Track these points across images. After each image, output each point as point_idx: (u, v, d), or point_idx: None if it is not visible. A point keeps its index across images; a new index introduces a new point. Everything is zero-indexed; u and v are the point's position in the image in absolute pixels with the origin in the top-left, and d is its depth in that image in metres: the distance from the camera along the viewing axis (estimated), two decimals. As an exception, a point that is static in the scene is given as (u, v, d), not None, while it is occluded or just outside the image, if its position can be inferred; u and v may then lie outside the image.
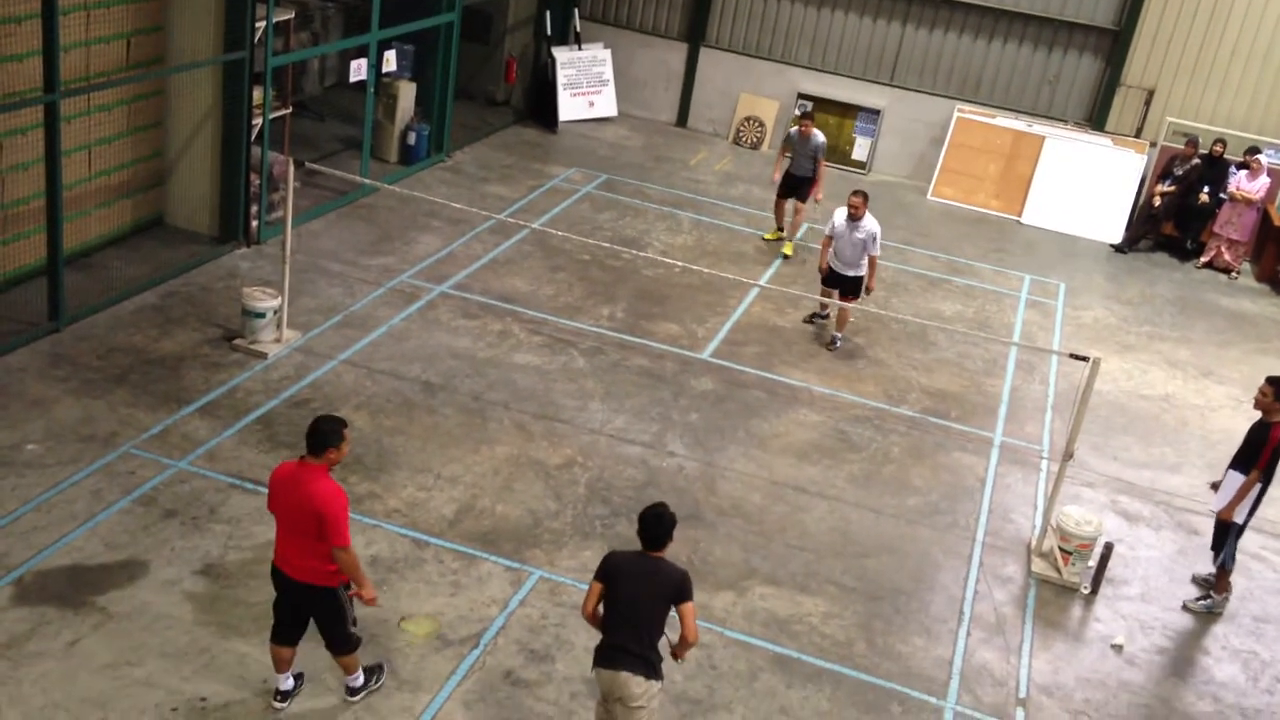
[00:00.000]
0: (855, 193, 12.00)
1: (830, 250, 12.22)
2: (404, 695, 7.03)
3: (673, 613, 6.22)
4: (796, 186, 14.66)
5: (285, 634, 6.68)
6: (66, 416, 9.16)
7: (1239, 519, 8.79)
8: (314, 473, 6.28)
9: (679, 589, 6.16)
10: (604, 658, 6.24)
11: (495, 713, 7.01)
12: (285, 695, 6.82)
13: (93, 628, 7.17)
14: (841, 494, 9.80)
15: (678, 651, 6.43)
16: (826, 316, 12.72)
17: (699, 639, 6.53)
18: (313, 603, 6.55)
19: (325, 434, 6.29)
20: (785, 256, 14.56)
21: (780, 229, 14.98)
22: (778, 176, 14.79)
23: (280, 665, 6.77)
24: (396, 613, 7.67)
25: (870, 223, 11.97)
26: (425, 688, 7.11)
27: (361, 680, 6.91)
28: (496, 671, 7.32)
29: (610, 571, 6.24)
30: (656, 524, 6.22)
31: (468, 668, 7.31)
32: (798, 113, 14.91)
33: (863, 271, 12.14)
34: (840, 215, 12.11)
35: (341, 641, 6.68)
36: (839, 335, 12.31)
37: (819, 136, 14.51)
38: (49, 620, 7.18)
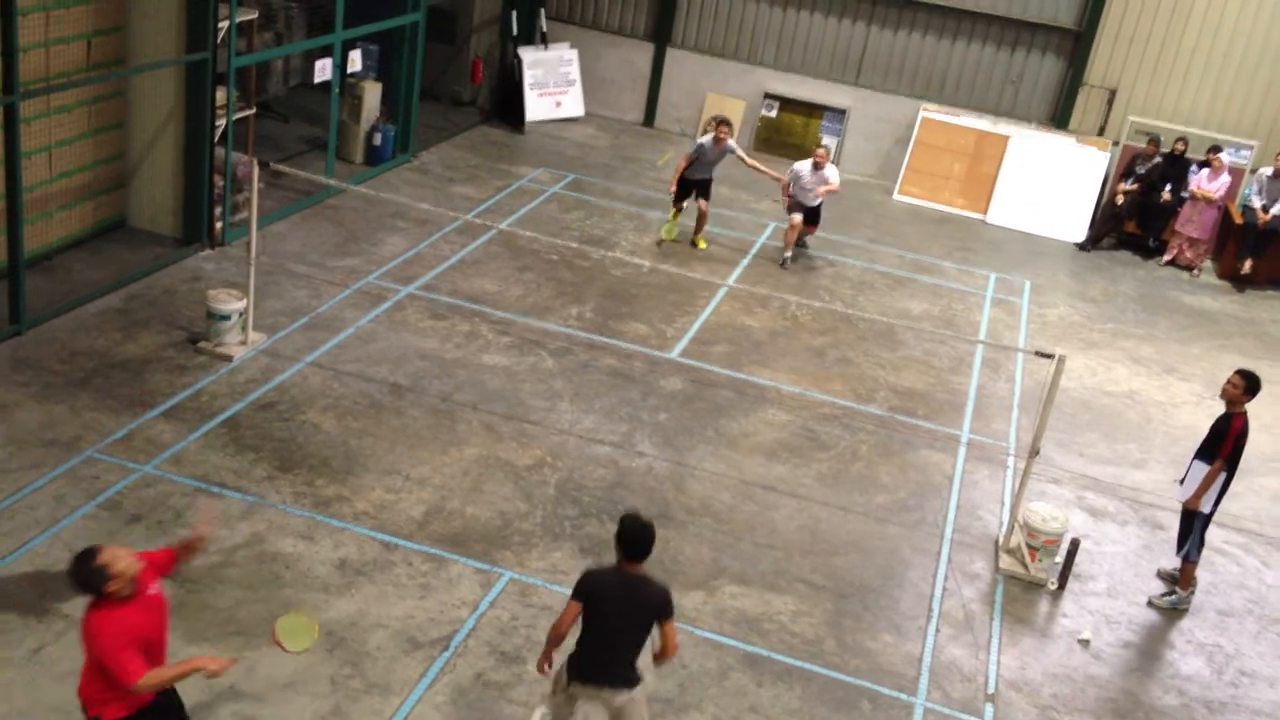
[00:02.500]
0: (821, 146, 14.54)
1: (790, 191, 14.42)
2: (374, 699, 6.99)
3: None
4: (694, 187, 14.43)
5: None
6: (28, 421, 9.04)
7: (1205, 509, 8.89)
8: (91, 619, 5.44)
9: (661, 608, 6.06)
10: (586, 676, 6.18)
11: (466, 715, 6.98)
12: None
13: (56, 635, 7.09)
14: (810, 492, 9.84)
15: (657, 662, 6.32)
16: (790, 258, 14.39)
17: (677, 651, 6.41)
18: None
19: (86, 582, 5.37)
20: (694, 245, 14.62)
21: (675, 216, 14.60)
22: (674, 189, 14.44)
23: None
24: (368, 618, 7.62)
25: (831, 169, 14.36)
26: (395, 691, 7.07)
27: None
28: (467, 674, 7.29)
29: (592, 591, 6.05)
30: (644, 535, 6.01)
31: (438, 670, 7.28)
32: (713, 120, 14.68)
33: (819, 203, 14.46)
34: (805, 165, 14.36)
35: None
36: (787, 254, 14.30)
37: (731, 142, 14.26)
38: (11, 628, 7.08)
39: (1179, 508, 9.19)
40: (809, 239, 14.95)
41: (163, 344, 10.45)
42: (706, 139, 14.29)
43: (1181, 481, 9.14)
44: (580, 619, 6.11)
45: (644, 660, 6.30)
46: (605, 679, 6.17)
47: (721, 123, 14.46)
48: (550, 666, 6.32)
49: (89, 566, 5.40)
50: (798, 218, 14.35)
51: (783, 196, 14.64)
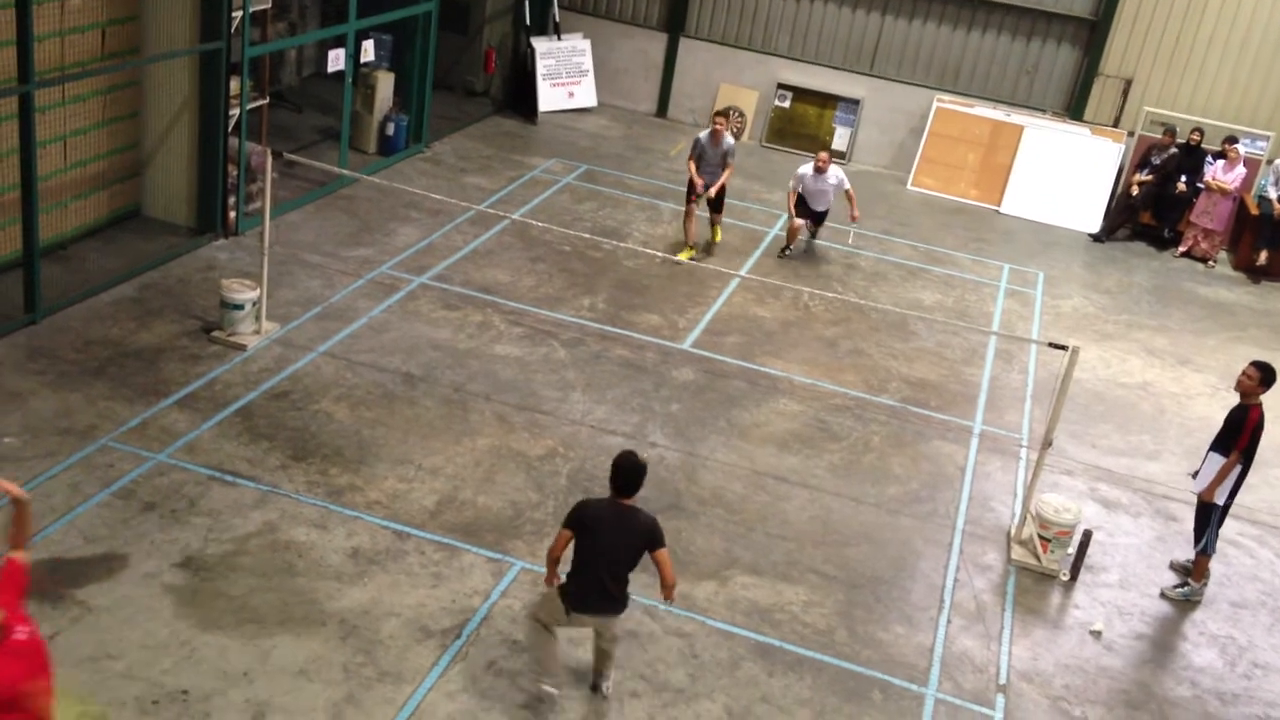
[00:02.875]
0: (825, 149, 14.46)
1: (796, 197, 14.13)
2: (386, 687, 7.02)
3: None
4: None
5: None
6: (44, 409, 9.09)
7: (1220, 500, 8.86)
8: None
9: (652, 536, 6.54)
10: (583, 604, 6.62)
11: (478, 703, 7.01)
12: None
13: (72, 621, 7.13)
14: (822, 483, 9.83)
15: (666, 595, 6.76)
16: (789, 250, 14.25)
17: (676, 579, 6.88)
18: None
19: None
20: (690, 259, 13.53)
21: (690, 245, 13.90)
22: (698, 182, 13.72)
23: None
24: (380, 606, 7.65)
25: (835, 171, 14.00)
26: (408, 679, 7.10)
27: None
28: (479, 662, 7.31)
29: (585, 521, 6.53)
30: (630, 473, 6.52)
31: (450, 659, 7.31)
32: (716, 111, 14.25)
33: (827, 208, 14.22)
34: (807, 169, 14.02)
35: None
36: (790, 247, 14.18)
37: (729, 139, 13.69)
38: (28, 614, 7.12)
39: (1193, 500, 9.16)
40: (798, 244, 14.37)
41: (177, 333, 10.49)
42: (704, 134, 13.82)
43: (1195, 474, 9.11)
44: (574, 550, 6.57)
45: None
46: (600, 606, 6.63)
47: (719, 114, 14.01)
48: (558, 581, 6.80)
49: None
50: (799, 222, 14.17)
51: (789, 205, 14.23)
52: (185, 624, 7.26)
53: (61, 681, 5.46)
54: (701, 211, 14.08)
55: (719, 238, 14.27)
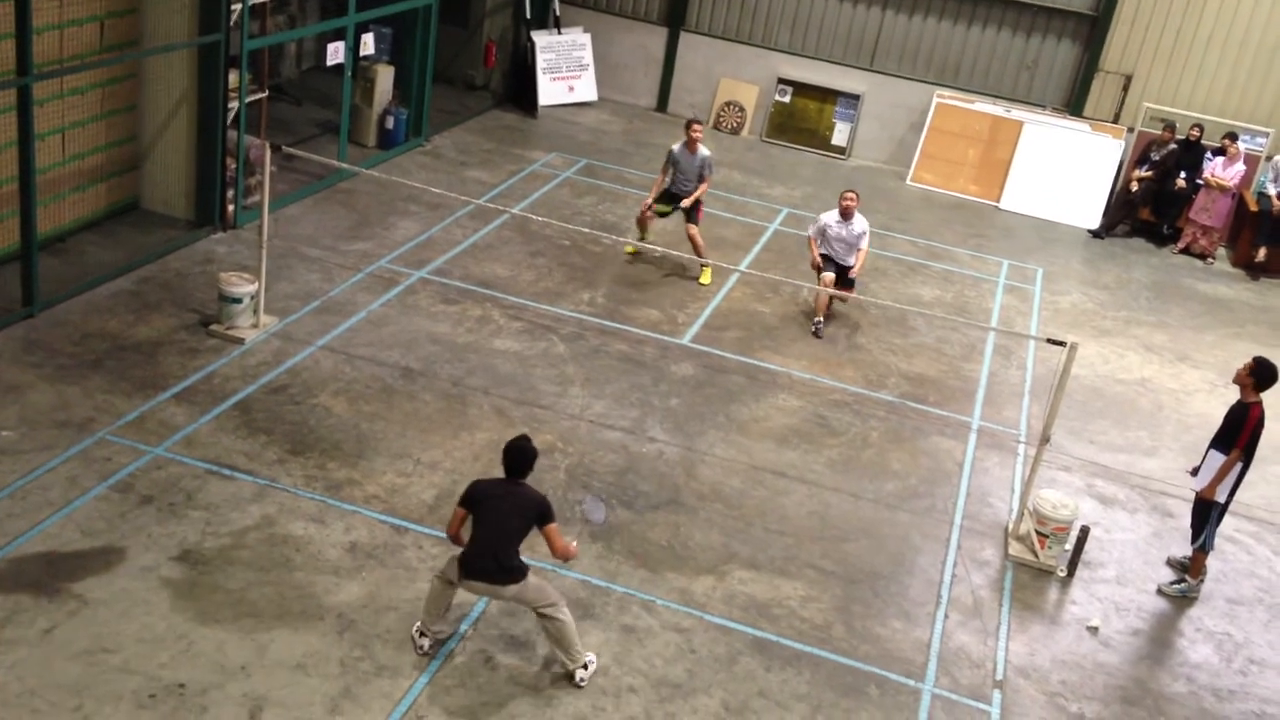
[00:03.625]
0: (849, 191, 12.32)
1: (818, 246, 12.46)
2: (383, 681, 7.03)
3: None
4: (674, 199, 13.10)
5: None
6: (41, 403, 9.09)
7: (1220, 498, 8.86)
8: None
9: (540, 511, 6.92)
10: (471, 572, 6.95)
11: (474, 698, 7.02)
12: None
13: (69, 615, 7.13)
14: (820, 478, 9.83)
15: (562, 558, 7.20)
16: (823, 324, 12.31)
17: (573, 553, 7.19)
18: None
19: None
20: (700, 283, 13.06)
21: (642, 238, 13.28)
22: (649, 201, 13.16)
23: None
24: (378, 600, 7.65)
25: (861, 220, 12.39)
26: (404, 674, 7.10)
27: None
28: (476, 658, 7.32)
29: (475, 497, 6.94)
30: (519, 456, 6.94)
31: (446, 654, 7.31)
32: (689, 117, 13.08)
33: (854, 262, 12.45)
34: (831, 215, 12.37)
35: None
36: (820, 320, 12.27)
37: (704, 151, 12.99)
38: (24, 608, 7.13)
39: (1190, 496, 9.16)
40: (841, 301, 12.54)
41: (175, 326, 10.48)
42: (678, 145, 13.01)
43: (1195, 471, 9.11)
44: (471, 524, 6.95)
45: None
46: (487, 574, 6.92)
47: (694, 121, 13.02)
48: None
49: None
50: (829, 275, 12.23)
51: (810, 251, 12.56)
52: (182, 618, 7.26)
53: None
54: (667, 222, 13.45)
55: (708, 279, 13.00)
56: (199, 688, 6.77)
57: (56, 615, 7.11)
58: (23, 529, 7.76)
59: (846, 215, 12.25)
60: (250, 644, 7.11)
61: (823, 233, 12.38)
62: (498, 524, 6.88)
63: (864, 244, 12.42)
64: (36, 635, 6.94)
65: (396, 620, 7.51)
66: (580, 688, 7.17)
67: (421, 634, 7.31)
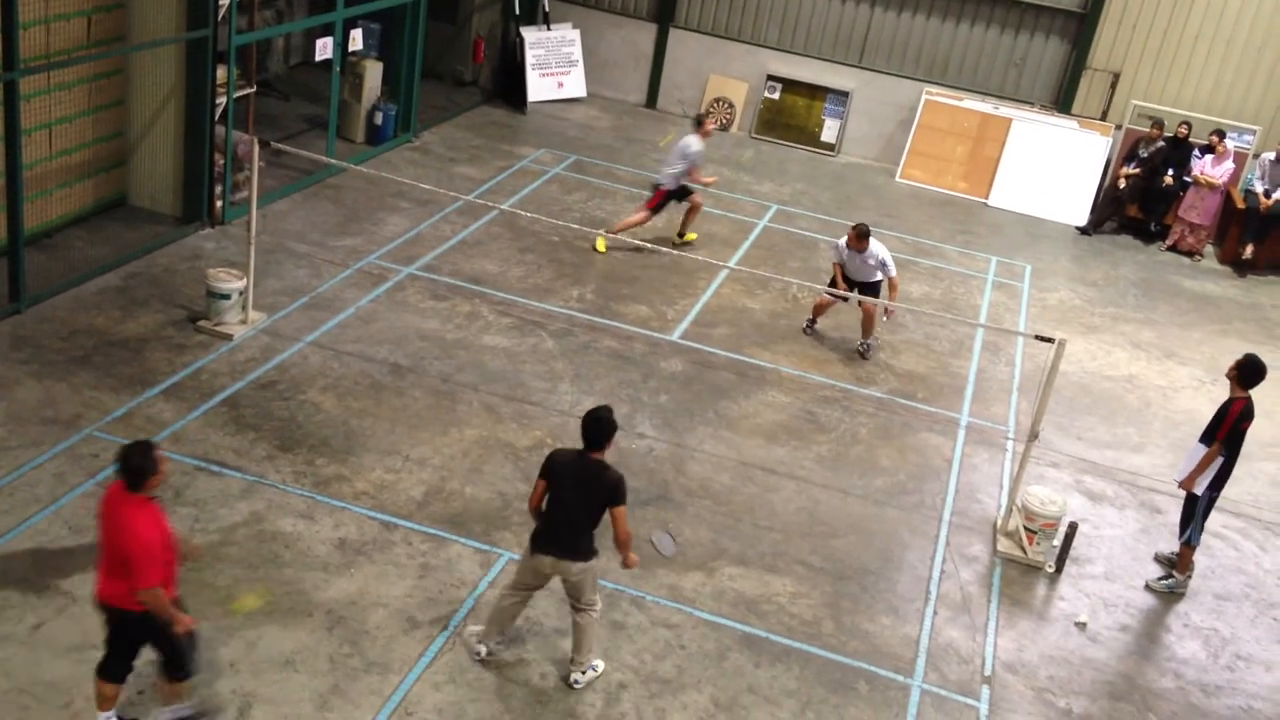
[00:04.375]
0: (854, 228, 11.64)
1: (839, 270, 12.00)
2: (372, 677, 7.02)
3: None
4: (681, 196, 13.65)
5: (112, 668, 6.18)
6: (28, 399, 9.05)
7: (1199, 490, 8.90)
8: (132, 507, 5.73)
9: (612, 493, 6.77)
10: (542, 546, 6.90)
11: (465, 694, 7.01)
12: None
13: (56, 611, 7.11)
14: (809, 475, 9.85)
15: (625, 559, 7.06)
16: (814, 323, 12.33)
17: (631, 535, 7.03)
18: (130, 628, 6.00)
19: (138, 468, 5.69)
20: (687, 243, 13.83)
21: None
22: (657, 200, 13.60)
23: (102, 703, 6.23)
24: (367, 597, 7.65)
25: (876, 248, 11.69)
26: (394, 670, 7.09)
27: (181, 716, 6.35)
28: (466, 653, 7.31)
29: (553, 470, 6.84)
30: (595, 426, 6.76)
31: (437, 650, 7.30)
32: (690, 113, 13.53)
33: (879, 279, 11.87)
34: (842, 241, 11.90)
35: (171, 665, 6.17)
36: (867, 341, 11.95)
37: (694, 145, 13.29)
38: (12, 604, 7.10)
39: (1179, 492, 9.20)
40: (871, 336, 12.02)
41: (162, 323, 10.44)
42: (696, 140, 13.36)
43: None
44: (546, 496, 6.88)
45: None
46: (559, 549, 6.86)
47: (703, 116, 13.70)
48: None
49: (145, 453, 5.69)
50: (828, 298, 12.00)
51: (834, 271, 12.13)
52: (171, 614, 7.23)
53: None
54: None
55: (692, 236, 13.92)
56: (188, 685, 6.74)
57: (45, 612, 7.09)
58: (10, 525, 7.72)
59: (858, 250, 11.69)
60: (239, 641, 7.10)
61: (841, 256, 11.95)
62: (572, 500, 6.80)
63: (890, 272, 11.71)
64: (25, 632, 6.92)
65: (386, 616, 7.50)
66: (573, 689, 7.16)
67: (480, 641, 7.27)
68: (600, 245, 13.43)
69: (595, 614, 7.12)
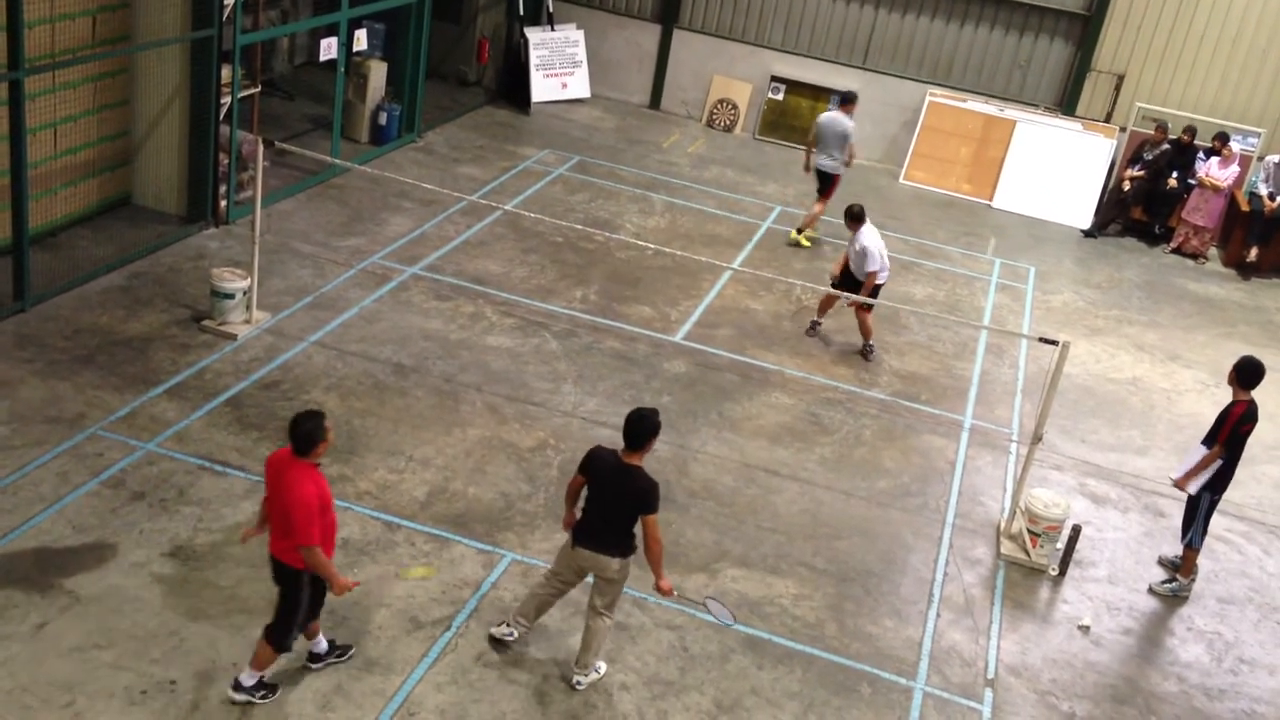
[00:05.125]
0: (848, 208, 11.85)
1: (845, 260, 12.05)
2: (375, 678, 7.02)
3: None
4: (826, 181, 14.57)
5: (281, 627, 6.70)
6: (32, 398, 9.05)
7: (1193, 490, 8.89)
8: (297, 470, 6.27)
9: (644, 501, 6.73)
10: (583, 540, 6.93)
11: (467, 695, 7.01)
12: (317, 658, 6.99)
13: (60, 610, 7.11)
14: (813, 476, 9.84)
15: (657, 580, 6.98)
16: (819, 325, 12.31)
17: (662, 545, 6.98)
18: (279, 579, 6.57)
19: (308, 434, 6.24)
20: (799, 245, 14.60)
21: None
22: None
23: (308, 634, 6.88)
24: (370, 597, 7.66)
25: (863, 236, 11.62)
26: (397, 670, 7.10)
27: (252, 683, 6.68)
28: (468, 654, 7.31)
29: (592, 467, 6.88)
30: (634, 425, 6.72)
31: (439, 650, 7.30)
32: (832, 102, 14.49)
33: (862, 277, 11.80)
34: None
35: (275, 631, 6.57)
36: (870, 343, 11.95)
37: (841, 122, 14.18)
38: (15, 603, 7.11)
39: (1182, 495, 9.19)
40: (871, 338, 12.03)
41: (166, 322, 10.45)
42: (846, 119, 14.26)
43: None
44: (585, 491, 6.94)
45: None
46: (597, 543, 6.89)
47: (845, 100, 14.44)
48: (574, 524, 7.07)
49: (315, 421, 6.22)
50: (833, 293, 11.89)
51: (840, 261, 12.27)
52: (174, 614, 7.25)
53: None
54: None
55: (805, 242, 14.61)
56: (191, 684, 6.75)
57: (48, 611, 7.09)
58: (14, 524, 7.73)
59: (850, 228, 11.83)
60: (242, 640, 7.10)
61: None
62: (608, 499, 6.84)
63: (869, 264, 11.56)
64: (28, 631, 6.92)
65: (388, 617, 7.50)
66: (575, 690, 7.16)
67: (508, 624, 7.37)
68: (800, 239, 14.53)
69: (610, 621, 7.12)
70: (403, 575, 7.75)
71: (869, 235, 11.70)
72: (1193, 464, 8.89)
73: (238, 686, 6.66)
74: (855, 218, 11.78)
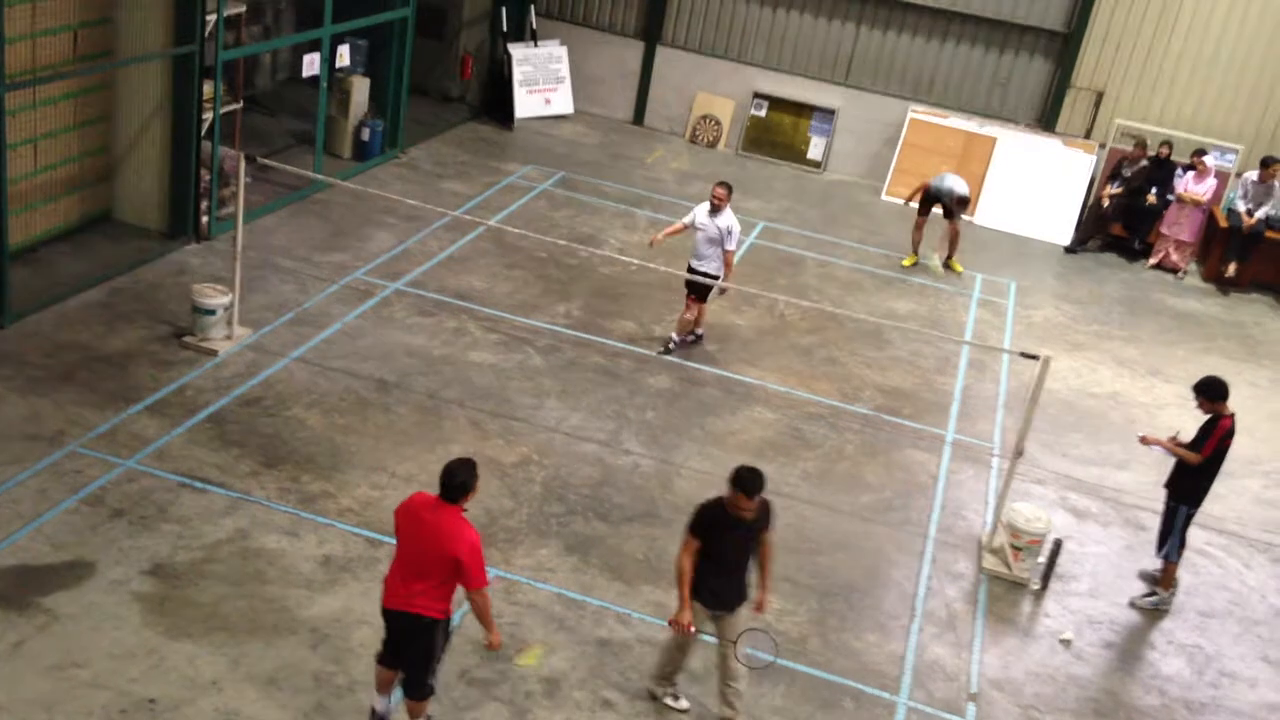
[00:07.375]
0: (720, 183, 11.31)
1: (684, 238, 11.72)
2: (357, 696, 6.98)
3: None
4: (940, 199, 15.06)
5: (391, 657, 6.58)
6: (11, 415, 9.00)
7: (1155, 449, 8.98)
8: (452, 516, 6.20)
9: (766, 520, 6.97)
10: (716, 603, 6.96)
11: (450, 713, 6.98)
12: (379, 716, 6.70)
13: (38, 629, 7.06)
14: (796, 491, 9.85)
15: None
16: (700, 337, 12.06)
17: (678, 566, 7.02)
18: (412, 635, 6.37)
19: (463, 484, 6.22)
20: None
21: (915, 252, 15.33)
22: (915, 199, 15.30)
23: (381, 687, 6.66)
24: (351, 614, 7.62)
25: (728, 216, 11.27)
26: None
27: None
28: (451, 671, 7.27)
29: (703, 525, 6.85)
30: (742, 479, 6.74)
31: (421, 667, 7.26)
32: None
33: (714, 269, 11.40)
34: (703, 208, 11.36)
35: (417, 685, 6.50)
36: (675, 337, 11.76)
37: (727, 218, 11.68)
38: (-7, 622, 7.05)
39: (1161, 509, 9.23)
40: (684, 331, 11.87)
41: (147, 338, 10.40)
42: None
43: (1167, 484, 9.17)
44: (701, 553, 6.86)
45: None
46: (732, 603, 6.97)
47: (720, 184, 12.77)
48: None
49: (469, 470, 6.25)
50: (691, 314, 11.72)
51: (664, 232, 11.97)
52: (153, 632, 7.20)
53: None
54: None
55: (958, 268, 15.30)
56: (170, 703, 6.70)
57: (26, 629, 7.03)
58: (-9, 542, 7.67)
59: (716, 209, 11.22)
60: (222, 658, 7.06)
61: (693, 223, 11.43)
62: (733, 553, 6.89)
63: (730, 243, 11.24)
64: (6, 650, 6.87)
65: (370, 634, 7.46)
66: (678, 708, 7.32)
67: (663, 689, 7.36)
68: (909, 262, 15.25)
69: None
70: (518, 663, 7.44)
71: (731, 214, 11.34)
72: (1170, 445, 8.94)
73: None
74: (724, 185, 11.28)
